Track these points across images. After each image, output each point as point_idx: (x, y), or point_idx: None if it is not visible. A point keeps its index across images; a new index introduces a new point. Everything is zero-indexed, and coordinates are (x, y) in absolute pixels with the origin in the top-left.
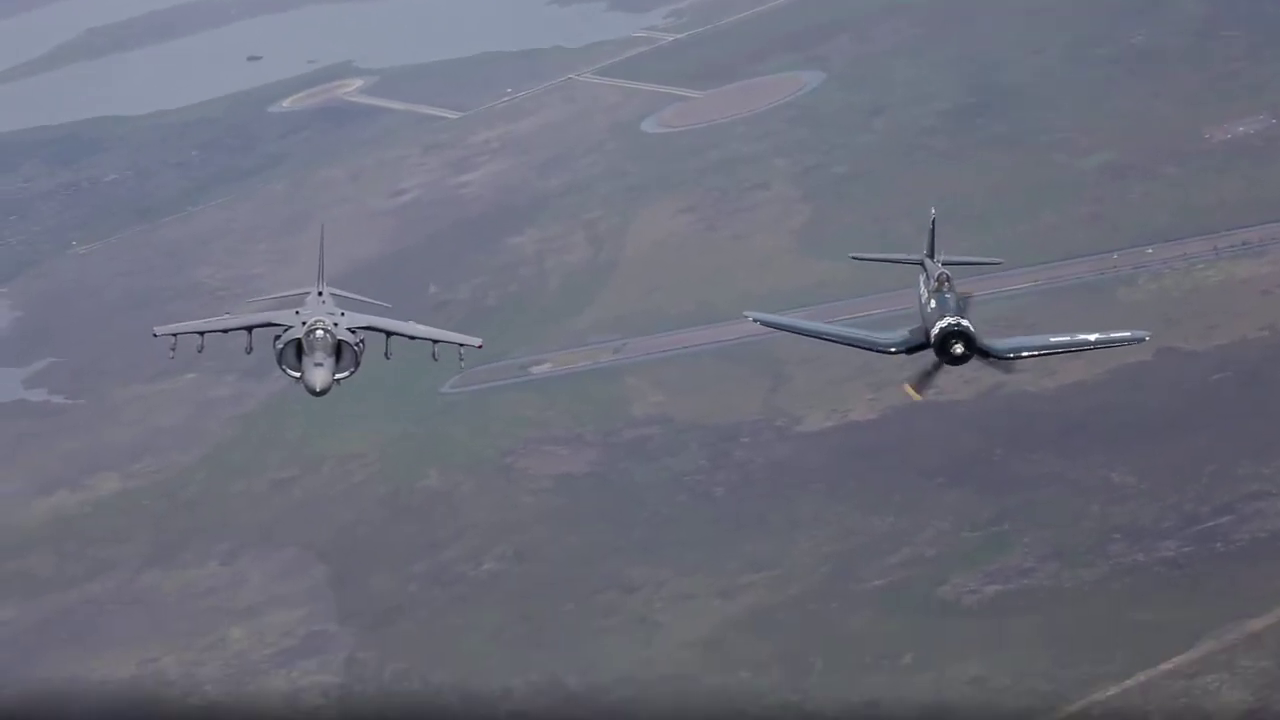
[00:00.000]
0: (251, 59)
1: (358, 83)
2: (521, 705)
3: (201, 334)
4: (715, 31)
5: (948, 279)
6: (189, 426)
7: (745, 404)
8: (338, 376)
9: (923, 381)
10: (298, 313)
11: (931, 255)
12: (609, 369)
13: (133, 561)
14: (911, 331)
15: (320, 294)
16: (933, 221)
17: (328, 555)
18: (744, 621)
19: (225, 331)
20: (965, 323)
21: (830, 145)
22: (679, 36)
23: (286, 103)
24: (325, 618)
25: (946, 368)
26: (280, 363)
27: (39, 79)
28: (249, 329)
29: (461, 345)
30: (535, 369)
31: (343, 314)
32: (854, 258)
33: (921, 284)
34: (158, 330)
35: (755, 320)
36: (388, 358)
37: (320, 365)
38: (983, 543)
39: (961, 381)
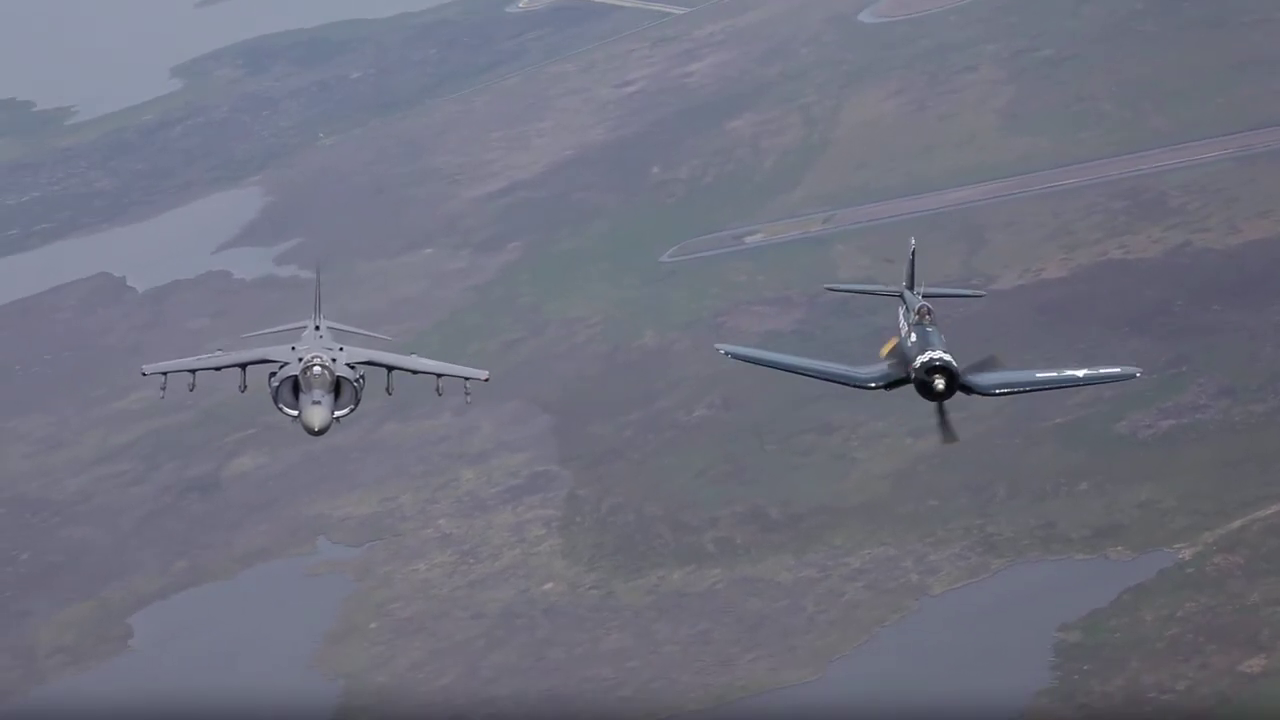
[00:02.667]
0: None
1: None
2: (727, 533)
3: (193, 372)
4: None
5: (928, 311)
6: (427, 296)
7: (945, 265)
8: (337, 414)
9: (946, 432)
10: (294, 348)
11: (911, 286)
12: (818, 238)
13: (375, 412)
14: (891, 366)
15: (318, 328)
16: (912, 252)
17: (551, 407)
18: (933, 457)
19: (218, 369)
20: (947, 357)
21: (1038, 31)
22: None
23: (522, 3)
24: (548, 460)
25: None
26: (276, 401)
27: None
28: (243, 366)
29: (467, 379)
30: (749, 239)
31: (341, 349)
32: (829, 289)
33: (901, 317)
34: (146, 369)
35: (727, 354)
36: (389, 393)
37: (318, 403)
38: (1160, 384)
39: (1149, 240)
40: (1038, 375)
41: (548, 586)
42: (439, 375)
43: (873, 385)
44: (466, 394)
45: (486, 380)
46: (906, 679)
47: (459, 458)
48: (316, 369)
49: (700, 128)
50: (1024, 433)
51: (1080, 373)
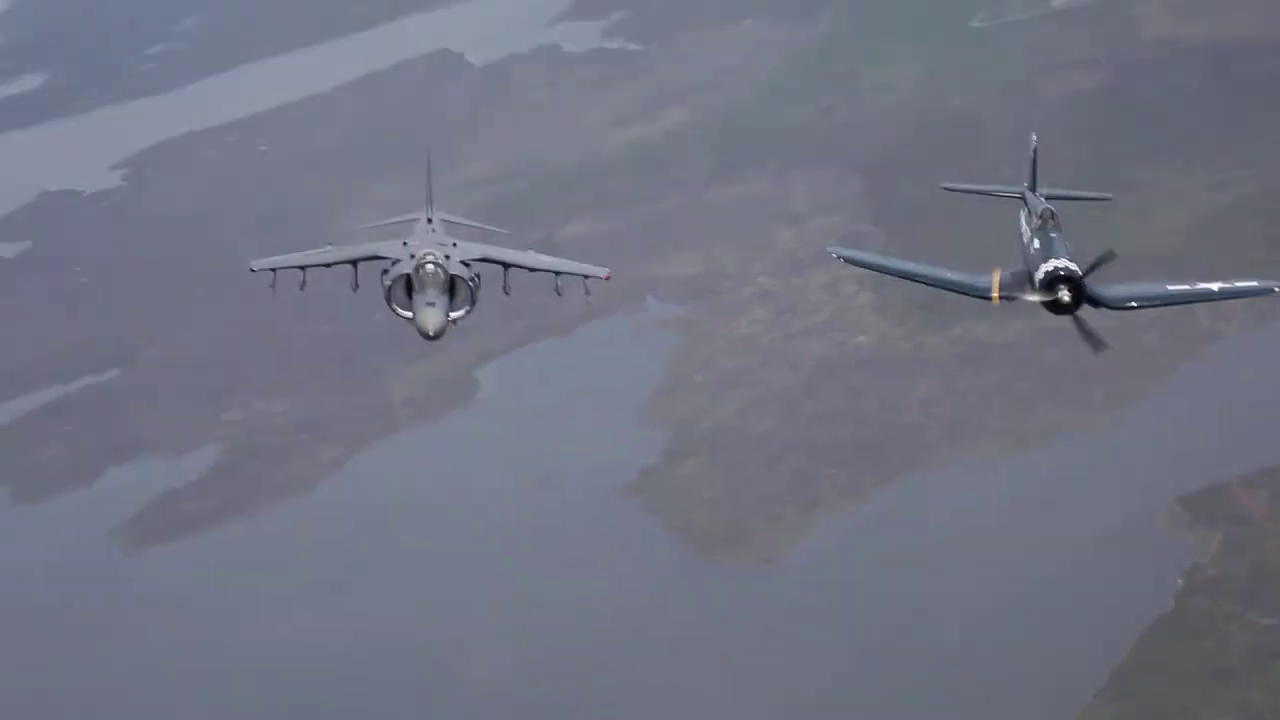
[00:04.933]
0: None
1: None
2: None
3: (302, 268)
4: None
5: (1052, 215)
6: (747, 65)
7: (1248, 23)
8: (453, 316)
9: (1093, 340)
10: (405, 244)
11: (1033, 188)
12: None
13: (698, 180)
14: (1013, 274)
15: (430, 220)
16: (1034, 150)
17: (864, 170)
18: (1229, 210)
19: (328, 265)
20: (1074, 266)
21: None
22: None
23: None
24: (861, 220)
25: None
26: (389, 301)
27: None
28: (354, 262)
29: (586, 276)
30: (1055, 2)
31: (455, 244)
32: (945, 188)
33: (1023, 220)
34: (254, 265)
35: (839, 257)
36: (506, 293)
37: (433, 305)
38: None
39: None
40: (1170, 288)
41: (860, 339)
42: (558, 273)
43: (992, 297)
44: (587, 292)
45: (607, 279)
46: (1199, 419)
47: (777, 218)
48: (430, 267)
49: None
50: None
51: (1215, 286)
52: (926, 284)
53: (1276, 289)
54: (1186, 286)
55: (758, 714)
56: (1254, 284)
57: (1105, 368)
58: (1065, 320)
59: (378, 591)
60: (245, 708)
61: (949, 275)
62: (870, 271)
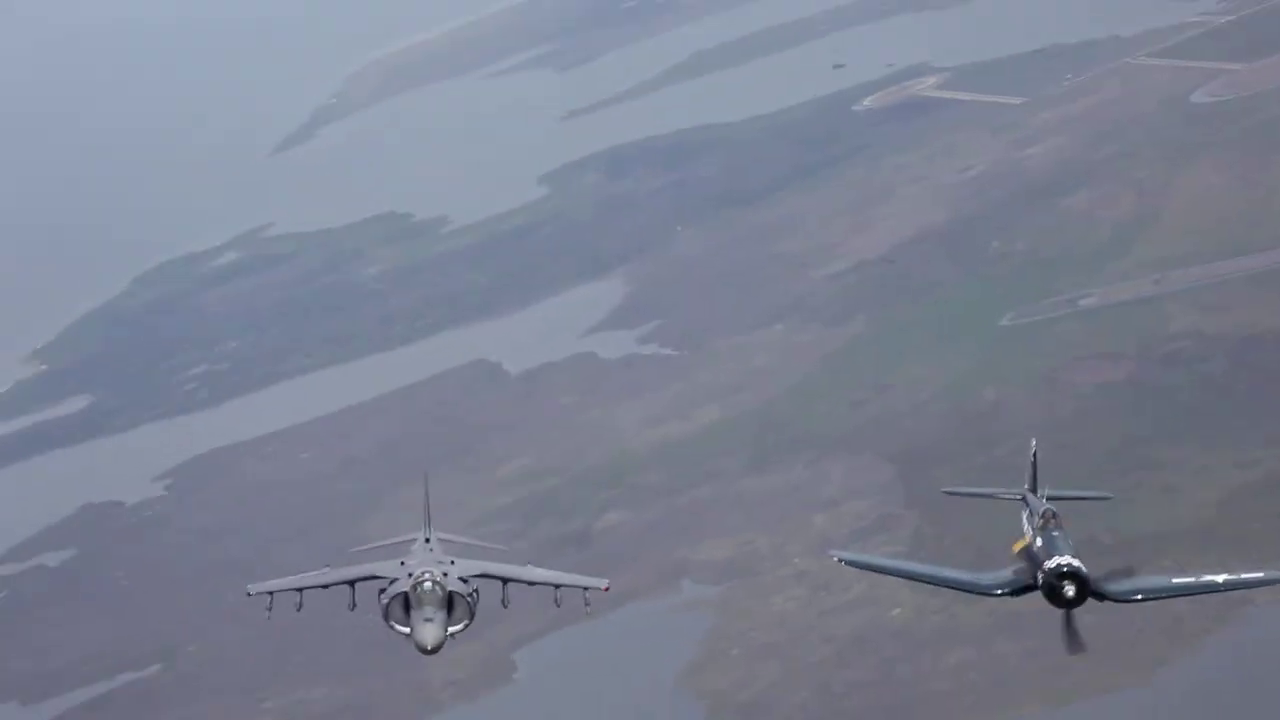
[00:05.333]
0: (836, 66)
1: (931, 80)
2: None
3: (300, 590)
4: (1269, 9)
5: (1054, 515)
6: (779, 366)
7: (1272, 317)
8: (451, 630)
9: (1073, 640)
10: (403, 563)
11: (1034, 490)
12: (1149, 298)
13: (732, 471)
14: (1016, 572)
15: (428, 540)
16: (1034, 453)
17: (896, 458)
18: (1258, 486)
19: (325, 587)
20: (1077, 563)
21: None
22: (1231, 18)
23: (867, 101)
24: (894, 504)
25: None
26: (387, 618)
27: (652, 96)
28: (351, 583)
29: (586, 589)
30: (1083, 301)
31: (452, 562)
32: (946, 492)
33: (1025, 521)
34: (252, 589)
35: (841, 561)
36: (505, 606)
37: (430, 620)
38: None
39: None
40: (1175, 580)
41: (895, 612)
42: (557, 586)
43: (998, 593)
44: (586, 604)
45: (607, 590)
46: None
47: (811, 505)
48: (427, 584)
49: (1037, 206)
50: None
51: (1220, 578)
52: (930, 583)
53: None
54: (1191, 579)
55: None
56: (1260, 575)
57: (1137, 634)
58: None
59: None
60: None
61: (951, 574)
62: (902, 554)
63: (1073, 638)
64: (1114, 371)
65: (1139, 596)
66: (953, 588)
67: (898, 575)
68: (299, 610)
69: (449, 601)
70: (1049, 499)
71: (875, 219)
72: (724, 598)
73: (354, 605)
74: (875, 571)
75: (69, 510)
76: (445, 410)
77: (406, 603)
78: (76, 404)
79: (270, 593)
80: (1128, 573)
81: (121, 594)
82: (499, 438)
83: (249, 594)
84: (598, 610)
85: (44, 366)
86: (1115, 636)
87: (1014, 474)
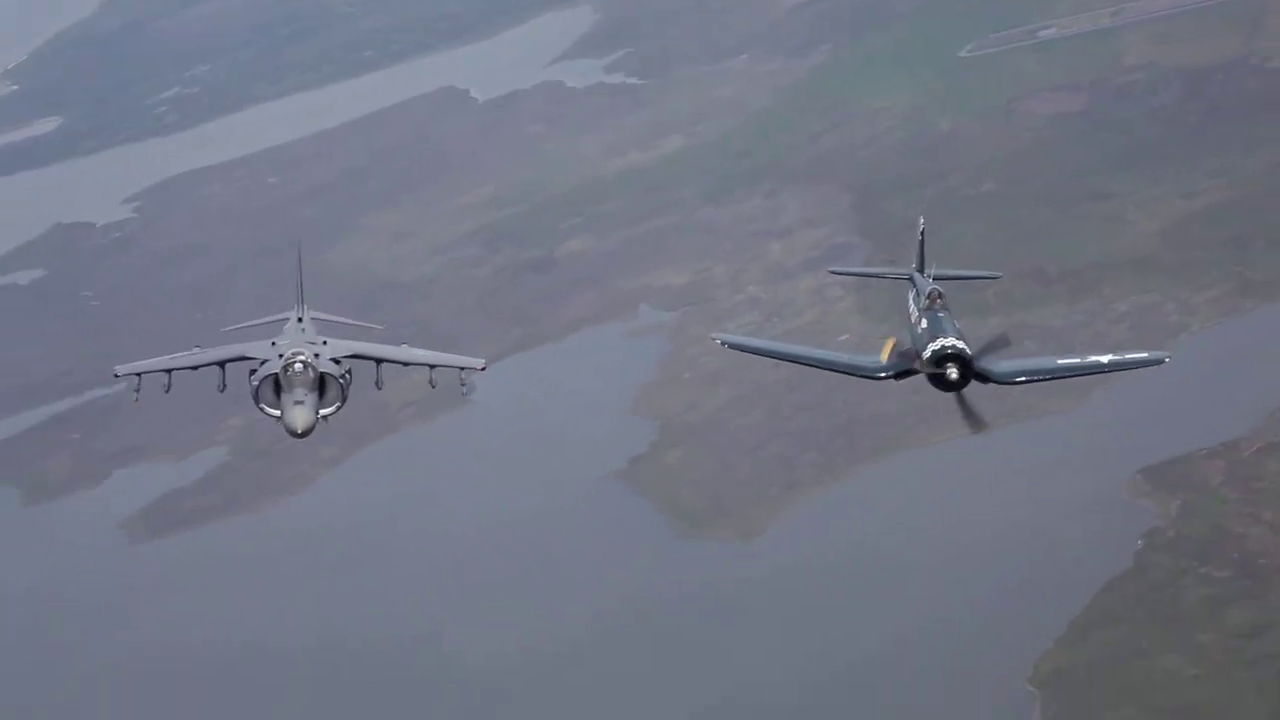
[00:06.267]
0: None
1: None
2: (1007, 287)
3: (168, 371)
4: None
5: (939, 295)
6: (741, 96)
7: (1225, 47)
8: (323, 413)
9: (973, 420)
10: (274, 344)
11: (921, 269)
12: (1107, 30)
13: (692, 200)
14: (900, 352)
15: (300, 320)
16: (921, 232)
17: (852, 188)
18: (1201, 215)
19: (195, 368)
20: (960, 344)
21: None
22: None
23: None
24: (848, 232)
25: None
26: (257, 401)
27: None
28: (221, 364)
29: (462, 369)
30: (1041, 33)
31: (325, 342)
32: (832, 272)
33: (911, 301)
34: (119, 370)
35: (725, 344)
36: (379, 388)
37: (300, 403)
38: None
39: None
40: (1060, 362)
41: (843, 338)
42: (432, 366)
43: (881, 375)
44: (463, 384)
45: (483, 370)
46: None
47: (767, 233)
48: (298, 366)
49: None
50: None
51: (1105, 358)
52: (815, 366)
53: (1167, 359)
54: (1077, 360)
55: (747, 676)
56: (1144, 355)
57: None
58: (1039, 312)
59: (376, 580)
60: (246, 691)
61: (834, 357)
62: (859, 279)
63: (971, 417)
64: (1069, 103)
65: (1022, 378)
66: (835, 370)
67: (779, 358)
68: (167, 392)
69: (320, 383)
70: (936, 279)
71: None
72: (679, 323)
73: (224, 387)
74: (756, 354)
75: (39, 230)
76: (413, 137)
77: (277, 385)
78: (47, 125)
79: (138, 374)
80: (1004, 341)
81: (90, 312)
82: (465, 165)
83: (116, 375)
84: (556, 334)
85: (15, 86)
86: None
87: (966, 202)
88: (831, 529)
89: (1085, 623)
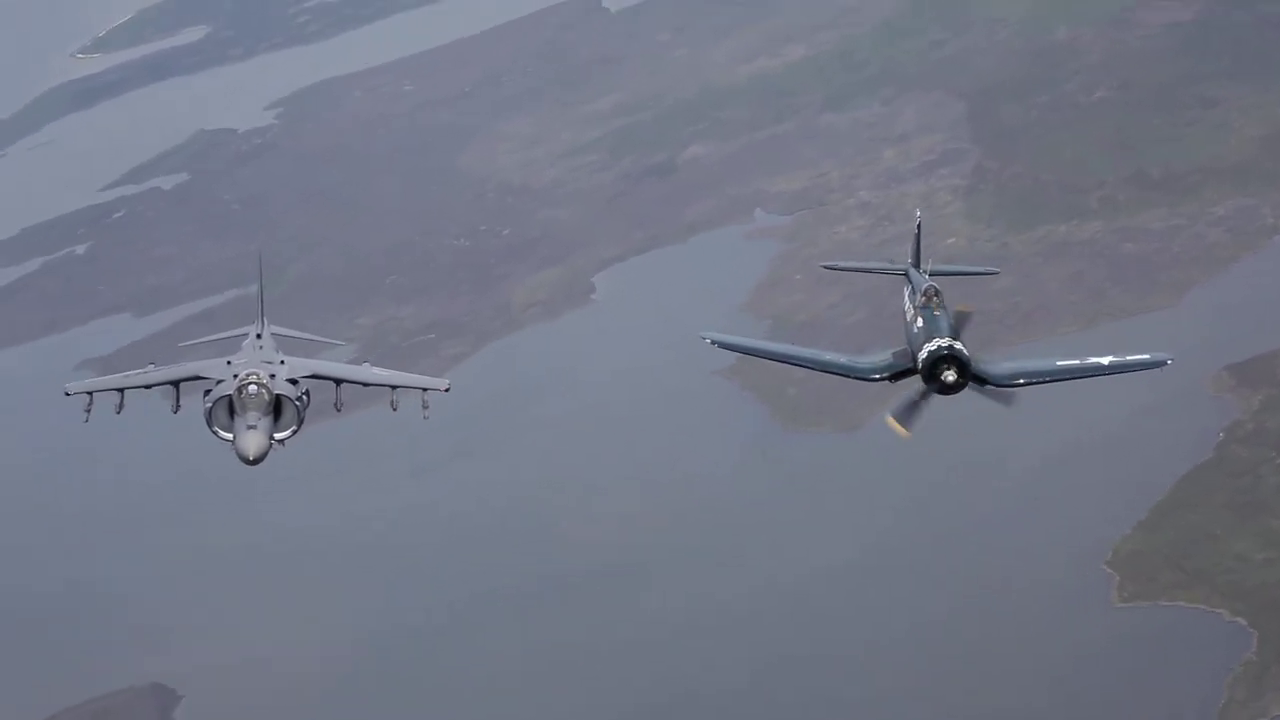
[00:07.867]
0: None
1: None
2: (1110, 192)
3: (120, 390)
4: None
5: (936, 293)
6: (865, 5)
7: None
8: (277, 437)
9: (909, 414)
10: (229, 362)
11: (917, 265)
12: None
13: (812, 107)
14: (895, 354)
15: (259, 336)
16: (918, 226)
17: (967, 95)
18: None
19: (147, 387)
20: (958, 345)
21: None
22: None
23: None
24: (961, 139)
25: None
26: (210, 424)
27: None
28: (175, 384)
29: (425, 390)
30: None
31: (282, 361)
32: (825, 267)
33: (907, 298)
34: (69, 388)
35: (713, 342)
36: (338, 410)
37: (253, 428)
38: None
39: None
40: (1059, 364)
41: (950, 241)
42: (394, 387)
43: (876, 377)
44: (425, 406)
45: (447, 390)
46: (1253, 302)
47: (883, 140)
48: (252, 388)
49: None
50: None
51: (1105, 360)
52: (805, 367)
53: (1169, 361)
54: (1076, 361)
55: (836, 553)
56: (1145, 357)
57: (1171, 261)
58: (1140, 216)
59: (497, 461)
60: (379, 562)
61: (828, 357)
62: (964, 187)
63: (909, 415)
64: (1182, 11)
65: (1021, 380)
66: (829, 371)
67: (772, 358)
68: (119, 413)
69: (276, 406)
70: (933, 275)
71: None
72: (793, 227)
73: (177, 408)
74: (747, 354)
75: (183, 136)
76: (546, 46)
77: (231, 407)
78: (194, 34)
79: (89, 393)
80: (965, 320)
81: (230, 215)
82: (595, 73)
83: (66, 394)
84: (676, 237)
85: None
86: (1149, 263)
87: (1077, 110)
88: (927, 424)
89: (1165, 509)
